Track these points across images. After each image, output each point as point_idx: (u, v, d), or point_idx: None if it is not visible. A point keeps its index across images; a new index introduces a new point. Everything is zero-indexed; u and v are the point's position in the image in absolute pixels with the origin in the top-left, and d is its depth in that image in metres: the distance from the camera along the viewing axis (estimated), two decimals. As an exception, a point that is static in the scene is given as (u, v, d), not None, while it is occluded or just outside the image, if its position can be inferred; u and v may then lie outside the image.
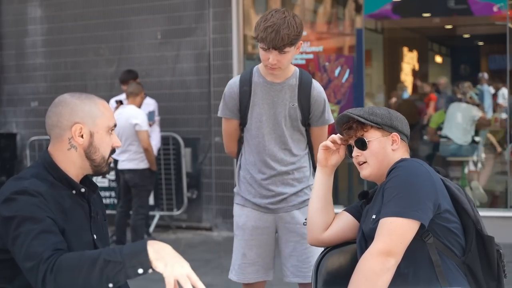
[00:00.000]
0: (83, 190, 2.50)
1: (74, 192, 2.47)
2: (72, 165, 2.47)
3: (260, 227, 3.66)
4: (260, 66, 3.62)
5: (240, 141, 3.73)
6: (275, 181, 3.62)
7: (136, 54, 8.84)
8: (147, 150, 7.08)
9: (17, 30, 9.54)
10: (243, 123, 3.66)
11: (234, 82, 3.65)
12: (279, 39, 3.33)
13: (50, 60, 9.37)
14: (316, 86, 3.63)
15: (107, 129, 2.49)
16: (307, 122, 3.64)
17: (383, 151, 2.67)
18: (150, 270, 2.10)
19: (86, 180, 2.57)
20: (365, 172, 2.70)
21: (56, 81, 9.28)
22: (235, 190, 3.78)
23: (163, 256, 2.09)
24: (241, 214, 3.71)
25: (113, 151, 2.54)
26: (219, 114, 3.72)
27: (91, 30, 9.07)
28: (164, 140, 8.33)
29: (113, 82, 8.68)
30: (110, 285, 2.11)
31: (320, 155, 2.86)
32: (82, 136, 2.45)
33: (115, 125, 2.54)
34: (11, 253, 2.28)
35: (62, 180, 2.45)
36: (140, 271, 2.09)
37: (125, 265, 2.09)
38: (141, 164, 7.13)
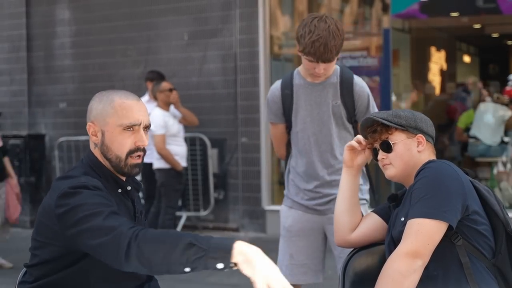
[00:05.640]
0: (129, 188, 2.47)
1: (119, 191, 2.45)
2: (104, 163, 2.44)
3: (306, 229, 3.66)
4: (300, 68, 3.61)
5: (289, 145, 3.73)
6: (323, 183, 3.62)
7: (163, 55, 8.88)
8: (160, 154, 7.05)
9: (45, 31, 9.62)
10: (289, 126, 3.66)
11: (276, 86, 3.66)
12: (328, 52, 3.33)
13: (78, 61, 9.44)
14: (358, 81, 3.61)
15: (120, 128, 2.40)
16: (353, 118, 3.62)
17: (408, 153, 2.64)
18: (234, 268, 2.03)
19: (130, 178, 2.53)
20: (390, 172, 2.68)
21: (84, 82, 9.35)
22: (284, 192, 3.79)
23: (251, 259, 1.99)
24: (288, 215, 3.71)
25: (136, 149, 2.41)
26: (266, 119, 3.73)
27: (119, 32, 9.13)
28: (191, 141, 8.35)
29: (140, 83, 8.71)
30: (187, 269, 2.05)
31: (345, 155, 2.85)
32: (96, 135, 2.44)
33: (139, 124, 2.41)
34: (58, 249, 2.28)
35: (108, 179, 2.42)
36: (220, 266, 2.01)
37: (207, 254, 2.02)
38: (166, 163, 7.13)
